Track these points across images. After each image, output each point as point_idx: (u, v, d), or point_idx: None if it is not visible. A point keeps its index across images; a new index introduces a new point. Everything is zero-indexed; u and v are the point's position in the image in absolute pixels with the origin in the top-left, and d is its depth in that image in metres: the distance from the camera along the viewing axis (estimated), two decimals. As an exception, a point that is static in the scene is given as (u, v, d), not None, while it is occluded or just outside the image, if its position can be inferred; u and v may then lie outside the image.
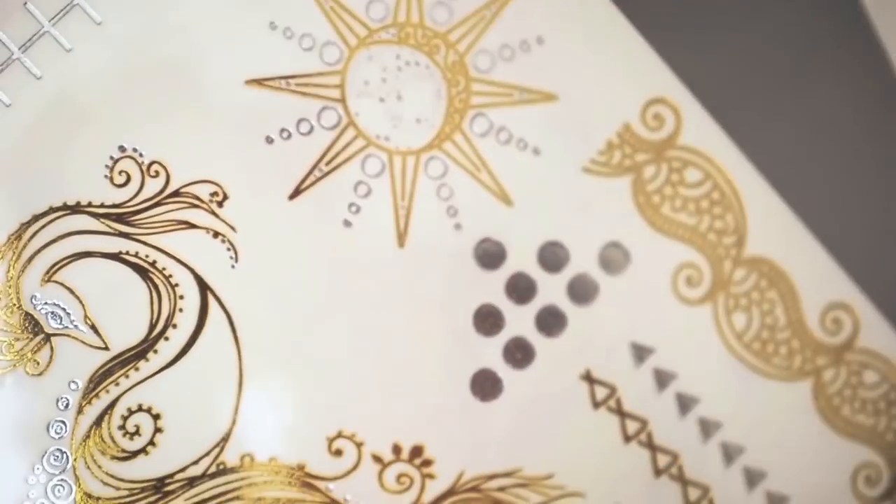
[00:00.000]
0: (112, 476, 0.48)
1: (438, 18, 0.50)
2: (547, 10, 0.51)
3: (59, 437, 0.48)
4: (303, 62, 0.49)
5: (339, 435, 0.50)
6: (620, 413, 0.52)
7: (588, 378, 0.52)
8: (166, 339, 0.48)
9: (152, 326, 0.48)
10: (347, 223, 0.50)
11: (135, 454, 0.48)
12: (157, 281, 0.48)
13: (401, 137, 0.50)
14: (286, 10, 0.49)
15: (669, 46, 0.52)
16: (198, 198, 0.48)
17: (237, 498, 0.49)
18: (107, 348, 0.48)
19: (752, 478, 0.54)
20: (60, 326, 0.47)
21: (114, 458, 0.48)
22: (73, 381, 0.48)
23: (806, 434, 0.54)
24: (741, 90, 0.53)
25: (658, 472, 0.53)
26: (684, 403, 0.53)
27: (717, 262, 0.53)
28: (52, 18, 0.47)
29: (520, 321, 0.51)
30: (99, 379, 0.48)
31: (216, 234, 0.49)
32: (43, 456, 0.47)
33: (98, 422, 0.48)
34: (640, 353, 0.52)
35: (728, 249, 0.53)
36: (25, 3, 0.47)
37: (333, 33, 0.49)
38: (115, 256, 0.48)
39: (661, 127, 0.52)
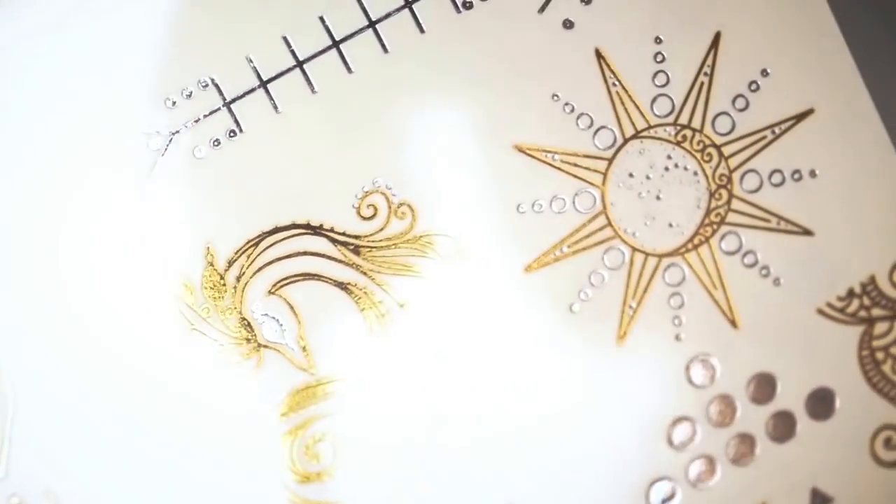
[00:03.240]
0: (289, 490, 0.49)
1: (720, 128, 0.49)
2: (827, 145, 0.49)
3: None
4: (574, 140, 0.48)
5: None
6: (782, 553, 0.52)
7: (761, 512, 0.52)
8: (369, 376, 0.48)
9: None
10: (572, 309, 0.49)
11: (309, 478, 0.49)
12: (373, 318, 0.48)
13: (648, 237, 0.49)
14: (573, 86, 0.47)
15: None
16: (433, 249, 0.48)
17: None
18: (310, 372, 0.48)
19: None
20: (274, 340, 0.48)
21: (292, 471, 0.49)
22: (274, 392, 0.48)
23: None
24: None
25: None
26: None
27: (920, 432, 0.52)
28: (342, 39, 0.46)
29: (710, 442, 0.51)
30: (297, 400, 0.48)
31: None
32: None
33: (289, 436, 0.48)
34: (819, 501, 0.52)
35: (936, 421, 0.52)
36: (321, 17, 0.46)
37: (613, 119, 0.48)
38: (342, 286, 0.47)
39: (907, 290, 0.51)
